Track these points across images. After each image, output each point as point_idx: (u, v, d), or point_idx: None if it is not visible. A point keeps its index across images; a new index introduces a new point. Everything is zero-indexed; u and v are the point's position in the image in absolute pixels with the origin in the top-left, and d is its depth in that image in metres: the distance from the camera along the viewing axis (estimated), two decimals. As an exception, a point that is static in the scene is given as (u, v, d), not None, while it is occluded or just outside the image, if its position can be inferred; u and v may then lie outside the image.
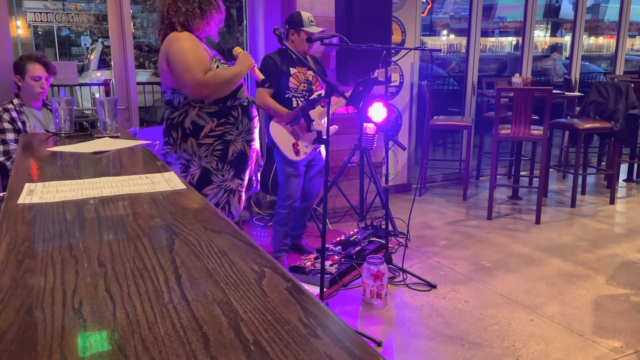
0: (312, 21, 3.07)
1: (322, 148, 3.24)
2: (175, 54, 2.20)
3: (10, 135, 2.78)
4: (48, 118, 2.96)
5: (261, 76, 2.38)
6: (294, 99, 3.04)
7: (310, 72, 3.10)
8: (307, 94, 3.08)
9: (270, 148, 3.15)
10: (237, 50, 2.36)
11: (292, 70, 3.05)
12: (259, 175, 2.65)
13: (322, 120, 3.13)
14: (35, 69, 2.81)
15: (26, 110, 2.86)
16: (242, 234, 0.90)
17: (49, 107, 2.99)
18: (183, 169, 2.30)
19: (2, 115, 2.79)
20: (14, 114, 2.81)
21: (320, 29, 3.06)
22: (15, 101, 2.85)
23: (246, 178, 2.42)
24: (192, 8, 2.24)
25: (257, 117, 2.45)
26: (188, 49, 2.20)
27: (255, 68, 2.36)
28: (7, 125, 2.78)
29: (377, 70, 3.21)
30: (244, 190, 2.42)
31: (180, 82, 2.23)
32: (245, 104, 2.35)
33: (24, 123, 2.82)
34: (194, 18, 2.25)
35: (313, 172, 3.25)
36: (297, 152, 3.04)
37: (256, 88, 3.06)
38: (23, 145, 1.82)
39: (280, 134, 3.03)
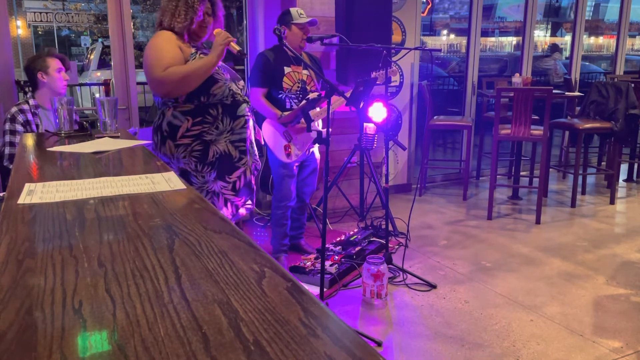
0: (301, 14, 3.06)
1: (315, 148, 3.25)
2: (144, 54, 2.20)
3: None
4: None
5: (237, 47, 2.19)
6: (287, 99, 3.03)
7: (304, 72, 3.09)
8: (301, 94, 3.07)
9: (266, 149, 3.15)
10: (216, 32, 2.24)
11: (287, 70, 3.03)
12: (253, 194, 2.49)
13: (317, 122, 3.13)
14: (55, 62, 2.79)
15: (41, 112, 2.79)
16: (242, 234, 0.90)
17: None
18: None
19: (17, 117, 2.71)
20: (29, 116, 2.74)
21: (310, 18, 3.06)
22: (32, 102, 2.78)
23: (232, 181, 2.28)
24: (170, 6, 2.23)
25: (246, 117, 2.29)
26: (154, 47, 2.17)
27: (232, 43, 2.19)
28: (19, 128, 2.70)
29: (376, 72, 3.20)
30: (229, 193, 2.28)
31: (147, 81, 2.22)
32: (227, 102, 2.22)
33: (37, 126, 2.75)
34: (166, 15, 2.23)
35: (306, 173, 3.26)
36: (288, 154, 3.03)
37: (250, 88, 3.06)
38: (23, 146, 1.82)
39: (273, 135, 3.03)
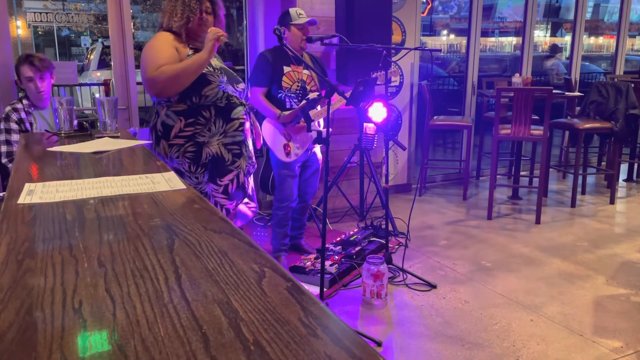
0: (300, 14, 3.06)
1: (317, 149, 3.24)
2: (141, 55, 2.21)
3: (16, 137, 2.76)
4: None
5: (224, 40, 2.17)
6: (287, 98, 3.03)
7: (305, 72, 3.09)
8: (300, 93, 3.06)
9: (267, 149, 3.15)
10: (209, 30, 2.20)
11: (286, 69, 3.03)
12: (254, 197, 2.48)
13: (318, 122, 3.13)
14: (25, 70, 2.78)
15: (34, 112, 2.85)
16: (242, 234, 0.90)
17: None
18: None
19: (11, 115, 2.78)
20: (23, 115, 2.80)
21: (309, 18, 3.05)
22: (25, 102, 2.85)
23: (224, 184, 2.27)
24: (169, 7, 2.25)
25: (241, 120, 2.27)
26: (150, 47, 2.19)
27: (222, 37, 2.16)
28: (14, 126, 2.77)
29: (376, 73, 3.20)
30: (220, 196, 2.27)
31: (142, 81, 2.23)
32: (221, 104, 2.21)
33: (31, 124, 2.82)
34: (165, 16, 2.26)
35: (308, 173, 3.26)
36: (287, 154, 3.04)
37: (250, 87, 3.06)
38: (23, 145, 1.82)
39: (272, 135, 3.03)
